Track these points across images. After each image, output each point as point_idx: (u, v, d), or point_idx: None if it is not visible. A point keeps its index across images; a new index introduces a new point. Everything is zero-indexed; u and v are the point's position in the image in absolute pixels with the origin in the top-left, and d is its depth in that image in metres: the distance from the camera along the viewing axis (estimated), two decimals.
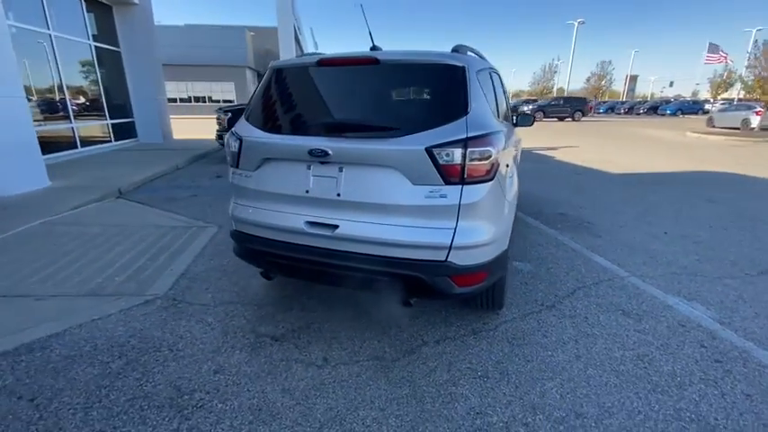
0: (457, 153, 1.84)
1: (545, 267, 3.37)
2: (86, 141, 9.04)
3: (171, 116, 12.42)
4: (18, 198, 5.16)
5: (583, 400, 1.89)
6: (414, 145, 1.86)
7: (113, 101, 10.28)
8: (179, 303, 2.75)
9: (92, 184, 5.93)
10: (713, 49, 33.58)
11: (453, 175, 1.86)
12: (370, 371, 2.09)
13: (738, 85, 28.31)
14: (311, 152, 1.99)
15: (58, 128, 8.29)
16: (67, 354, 2.20)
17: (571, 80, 42.12)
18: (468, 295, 2.15)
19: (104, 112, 9.92)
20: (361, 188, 1.99)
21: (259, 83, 2.37)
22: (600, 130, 20.24)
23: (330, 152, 1.96)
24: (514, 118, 4.01)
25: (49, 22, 7.86)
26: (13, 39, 5.59)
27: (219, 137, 8.80)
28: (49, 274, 3.12)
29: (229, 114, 8.62)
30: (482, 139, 1.89)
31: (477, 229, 1.95)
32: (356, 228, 2.00)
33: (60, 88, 8.31)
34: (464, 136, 1.85)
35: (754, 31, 30.68)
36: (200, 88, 31.14)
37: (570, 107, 27.64)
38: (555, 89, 47.00)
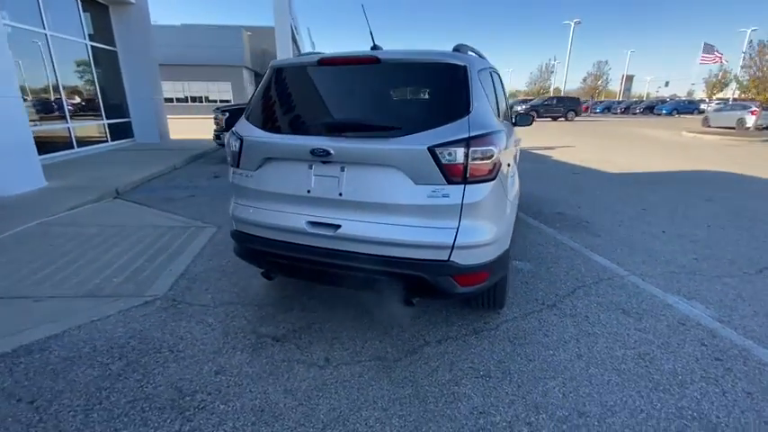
0: (459, 152, 1.83)
1: (545, 266, 3.38)
2: (83, 141, 8.99)
3: (167, 116, 12.37)
4: (14, 199, 5.12)
5: (585, 399, 1.89)
6: (416, 144, 1.86)
7: (110, 101, 10.22)
8: (179, 304, 2.73)
9: (88, 185, 5.89)
10: (708, 49, 33.80)
11: (456, 175, 1.86)
12: (372, 371, 2.09)
13: (733, 85, 28.54)
14: (313, 152, 1.98)
15: (53, 128, 8.23)
16: (66, 355, 2.18)
17: (568, 80, 42.30)
18: (470, 295, 2.15)
19: (101, 111, 9.86)
20: (362, 188, 1.98)
21: (258, 83, 2.36)
22: (596, 129, 20.32)
23: (332, 152, 1.95)
24: (513, 117, 4.02)
25: (45, 22, 7.80)
26: (8, 38, 5.54)
27: (217, 137, 8.76)
28: (46, 275, 3.09)
29: (227, 114, 8.59)
30: (484, 138, 1.89)
31: (480, 229, 1.95)
32: (358, 227, 1.99)
33: (56, 88, 8.25)
34: (466, 135, 1.85)
35: (749, 31, 30.86)
36: (196, 88, 31.01)
37: (563, 107, 27.61)
38: (552, 89, 47.14)
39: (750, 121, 17.73)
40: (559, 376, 2.05)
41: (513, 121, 3.95)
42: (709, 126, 19.72)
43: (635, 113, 40.17)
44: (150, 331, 2.42)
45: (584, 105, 41.02)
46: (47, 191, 5.58)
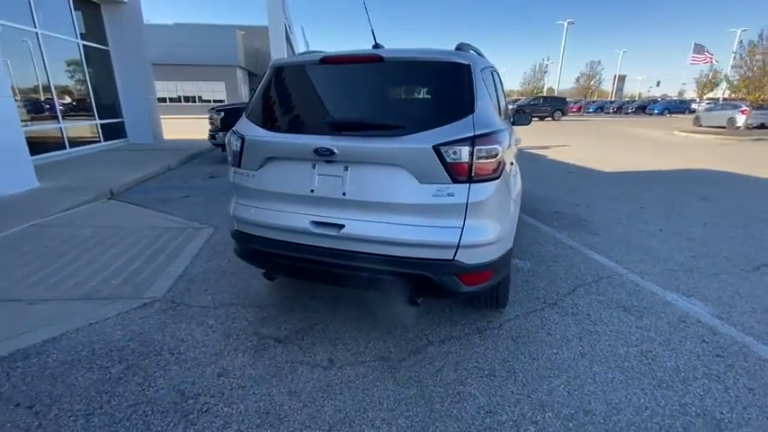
0: (464, 151, 1.83)
1: (545, 265, 3.39)
2: (75, 142, 8.86)
3: (160, 116, 12.24)
4: (6, 200, 5.03)
5: (590, 396, 1.90)
6: (421, 143, 1.85)
7: (102, 100, 10.09)
8: (178, 306, 2.70)
9: (82, 185, 5.81)
10: (698, 49, 34.25)
11: (461, 174, 1.85)
12: (376, 371, 2.07)
13: (724, 85, 28.90)
14: (317, 151, 1.96)
15: (45, 128, 8.11)
16: (65, 359, 2.14)
17: (561, 80, 42.56)
18: (474, 294, 2.14)
19: (93, 111, 9.73)
20: (366, 187, 1.97)
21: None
22: (589, 129, 20.48)
23: (336, 151, 1.93)
24: (512, 117, 4.02)
25: (36, 20, 7.68)
26: None
27: (212, 137, 8.69)
28: (41, 278, 3.04)
29: (222, 114, 8.53)
30: (489, 137, 1.88)
31: (484, 228, 1.95)
32: (362, 227, 1.98)
33: (48, 88, 8.13)
34: (471, 134, 1.84)
35: (739, 31, 31.30)
36: (189, 88, 30.77)
37: (550, 107, 27.68)
38: (545, 89, 47.44)
39: (740, 120, 17.98)
40: (564, 374, 2.05)
41: (512, 120, 3.95)
42: (701, 125, 19.97)
43: (627, 113, 40.54)
44: (150, 334, 2.38)
45: (577, 105, 41.44)
46: (39, 192, 5.49)
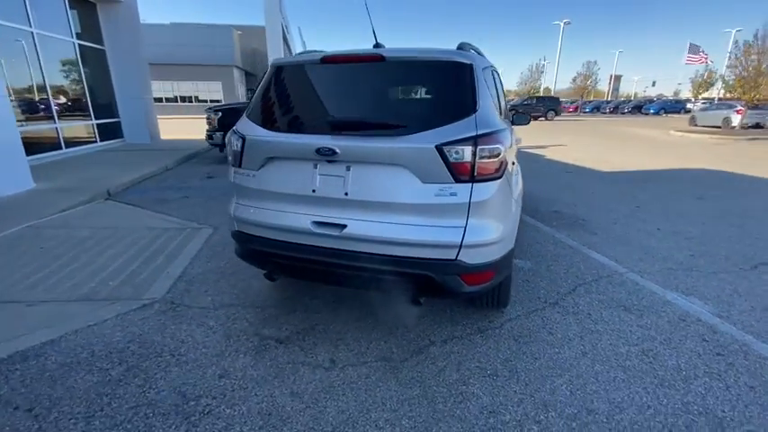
0: (467, 151, 1.82)
1: (545, 265, 3.40)
2: (71, 142, 8.80)
3: (157, 116, 12.17)
4: (2, 201, 4.98)
5: (593, 396, 1.90)
6: (424, 143, 1.84)
7: (98, 100, 10.02)
8: (178, 307, 2.68)
9: (79, 186, 5.77)
10: (694, 49, 34.45)
11: (463, 173, 1.85)
12: (378, 372, 2.07)
13: (719, 85, 29.10)
14: (319, 151, 1.95)
15: (40, 128, 8.05)
16: (64, 361, 2.12)
17: (558, 80, 42.74)
18: (476, 294, 2.14)
19: (89, 111, 9.67)
20: (369, 187, 1.96)
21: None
22: (586, 129, 20.56)
23: (338, 151, 1.92)
24: (511, 117, 4.03)
25: (31, 19, 7.62)
26: None
27: (210, 137, 8.65)
28: (39, 279, 3.01)
29: (219, 114, 8.49)
30: (491, 136, 1.88)
31: (487, 228, 1.94)
32: (365, 227, 1.97)
33: (43, 87, 8.07)
34: (474, 134, 1.84)
35: (734, 32, 31.52)
36: (186, 88, 30.63)
37: (543, 107, 27.70)
38: (542, 89, 47.61)
39: (736, 120, 18.12)
40: (566, 374, 2.05)
41: (511, 120, 3.96)
42: (696, 125, 20.11)
43: (623, 113, 40.75)
44: (150, 335, 2.36)
45: (574, 105, 41.59)
46: (35, 193, 5.45)
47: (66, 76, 9.16)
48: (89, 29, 9.85)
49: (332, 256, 2.05)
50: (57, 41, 8.57)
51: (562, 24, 37.88)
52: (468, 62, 2.04)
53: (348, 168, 1.98)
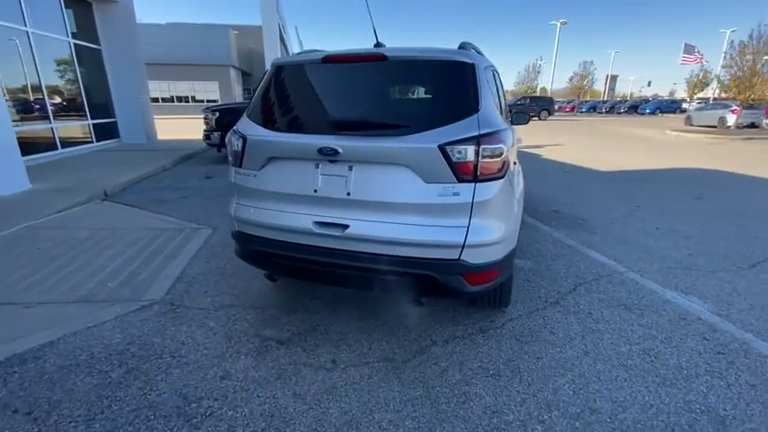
0: (470, 150, 1.82)
1: (545, 264, 3.40)
2: (67, 142, 8.74)
3: (153, 116, 12.11)
4: None
5: (595, 395, 1.90)
6: (426, 143, 1.84)
7: (94, 100, 9.95)
8: (177, 308, 2.66)
9: (75, 186, 5.72)
10: (689, 49, 34.70)
11: (466, 173, 1.84)
12: (381, 372, 2.06)
13: (714, 85, 29.28)
14: (321, 150, 1.94)
15: (36, 128, 7.98)
16: (63, 363, 2.10)
17: (554, 80, 42.89)
18: (479, 294, 2.14)
19: (85, 111, 9.60)
20: (371, 187, 1.95)
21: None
22: (582, 128, 20.63)
23: (340, 150, 1.92)
24: (510, 116, 4.03)
25: (27, 19, 7.56)
26: None
27: (207, 137, 8.61)
28: (36, 281, 2.98)
29: (217, 114, 8.46)
30: (494, 136, 1.88)
31: (489, 227, 1.94)
32: (367, 227, 1.96)
33: (38, 87, 8.00)
34: (477, 133, 1.83)
35: (729, 32, 31.72)
36: (182, 88, 30.51)
37: (537, 106, 27.65)
38: (539, 89, 47.75)
39: (731, 119, 18.25)
40: (568, 373, 2.05)
41: (511, 119, 3.96)
42: (692, 125, 20.21)
43: (619, 113, 40.94)
44: (150, 336, 2.35)
45: (570, 105, 41.75)
46: (31, 193, 5.40)
47: (62, 76, 9.10)
48: (85, 28, 9.78)
49: (334, 257, 2.04)
50: (52, 41, 8.50)
51: (559, 24, 38.04)
52: (470, 61, 2.04)
53: (350, 168, 1.97)
